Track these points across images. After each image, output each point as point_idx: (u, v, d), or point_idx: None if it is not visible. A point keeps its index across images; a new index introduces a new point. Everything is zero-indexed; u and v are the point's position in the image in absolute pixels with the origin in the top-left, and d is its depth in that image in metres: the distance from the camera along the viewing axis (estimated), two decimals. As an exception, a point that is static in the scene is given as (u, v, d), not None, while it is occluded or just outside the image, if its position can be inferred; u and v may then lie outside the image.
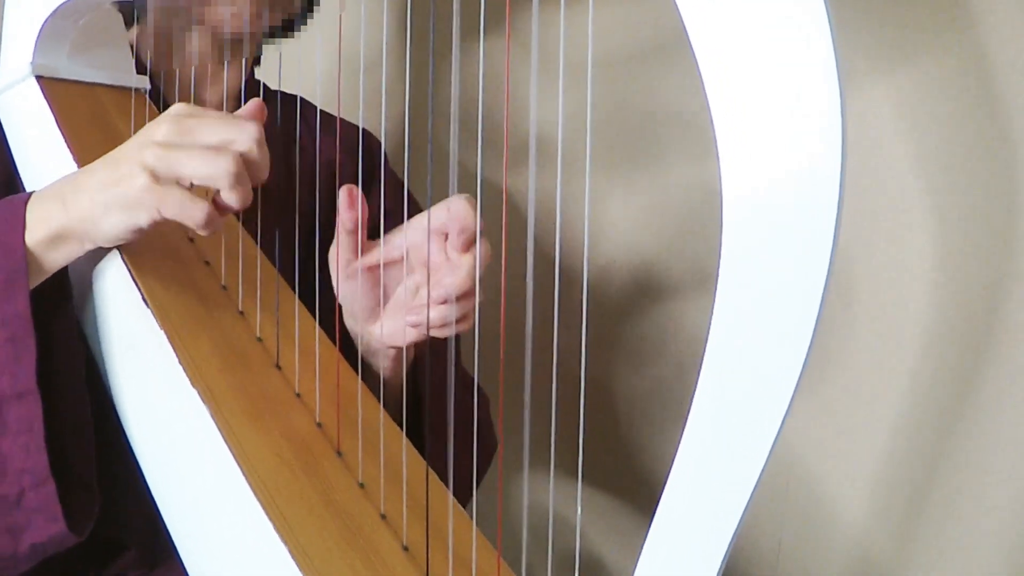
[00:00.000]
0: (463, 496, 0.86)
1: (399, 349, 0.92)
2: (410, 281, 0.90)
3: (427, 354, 0.97)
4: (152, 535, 0.90)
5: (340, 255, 0.88)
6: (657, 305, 1.33)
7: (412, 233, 0.88)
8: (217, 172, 0.76)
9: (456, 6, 0.74)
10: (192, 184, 0.77)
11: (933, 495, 1.17)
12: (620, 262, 1.34)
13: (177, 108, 0.78)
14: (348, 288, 0.90)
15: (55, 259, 0.80)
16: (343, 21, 1.00)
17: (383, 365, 0.94)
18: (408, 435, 0.86)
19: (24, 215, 0.79)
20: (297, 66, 1.01)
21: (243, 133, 0.77)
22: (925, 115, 1.14)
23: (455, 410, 0.91)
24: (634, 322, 1.35)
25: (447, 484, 0.83)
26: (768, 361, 0.53)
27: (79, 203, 0.78)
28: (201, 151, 0.76)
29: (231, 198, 0.77)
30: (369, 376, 0.93)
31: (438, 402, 0.95)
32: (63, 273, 0.82)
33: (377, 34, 0.98)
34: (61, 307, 0.82)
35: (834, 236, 0.51)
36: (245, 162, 0.77)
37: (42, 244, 0.79)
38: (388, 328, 0.90)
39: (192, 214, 0.76)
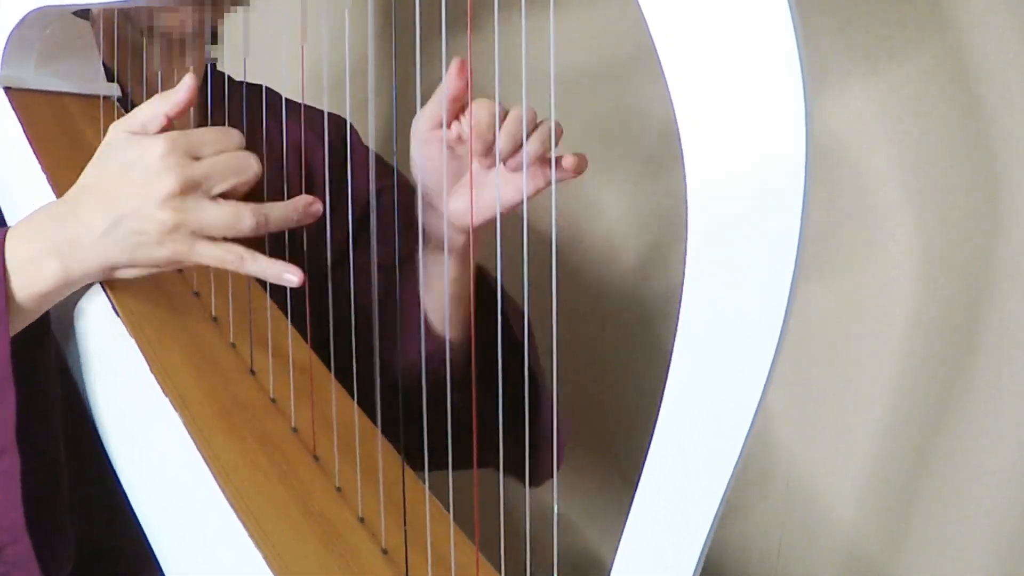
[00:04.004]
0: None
1: (467, 236, 0.91)
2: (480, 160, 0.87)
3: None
4: (138, 540, 0.89)
5: (423, 120, 0.87)
6: (640, 302, 1.33)
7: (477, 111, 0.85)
8: (243, 232, 0.76)
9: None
10: None
11: (929, 495, 1.18)
12: (605, 260, 1.34)
13: (166, 145, 0.76)
14: (426, 154, 0.89)
15: (46, 307, 0.80)
16: (324, 21, 1.00)
17: (454, 240, 0.92)
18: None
19: (3, 261, 0.77)
20: (282, 79, 1.01)
21: (249, 174, 0.77)
22: (907, 116, 1.14)
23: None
24: (615, 319, 1.35)
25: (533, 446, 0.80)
26: (738, 355, 0.53)
27: (83, 261, 0.77)
28: (221, 210, 0.75)
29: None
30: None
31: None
32: (43, 315, 0.81)
33: (360, 35, 0.98)
34: (41, 347, 0.81)
35: (800, 232, 0.51)
36: None
37: (38, 297, 0.78)
38: (459, 204, 0.89)
39: (229, 260, 0.77)
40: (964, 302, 1.14)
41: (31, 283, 0.77)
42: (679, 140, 0.53)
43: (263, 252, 0.89)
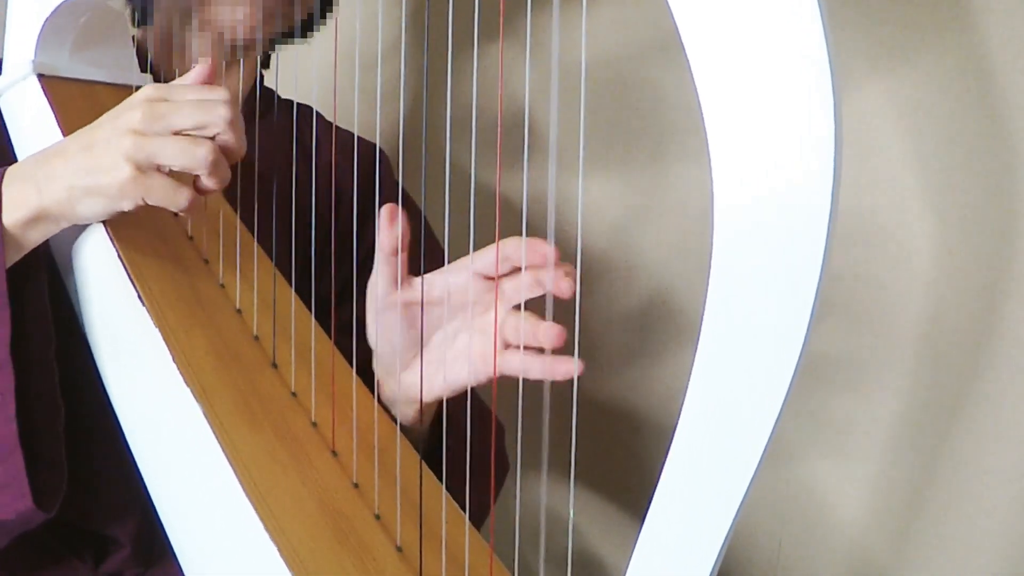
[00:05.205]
0: (479, 520, 0.86)
1: (419, 402, 0.88)
2: (450, 327, 0.85)
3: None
4: (148, 533, 0.90)
5: (379, 284, 0.84)
6: (654, 304, 1.32)
7: (454, 275, 0.83)
8: (196, 162, 0.78)
9: (452, 8, 0.73)
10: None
11: (932, 495, 1.17)
12: (618, 263, 1.34)
13: (146, 92, 0.80)
14: (384, 323, 0.85)
15: (32, 238, 0.82)
16: (344, 23, 1.01)
17: (406, 413, 0.89)
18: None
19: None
20: (298, 67, 1.02)
21: (215, 116, 0.78)
22: (924, 115, 1.13)
23: (474, 443, 0.86)
24: (630, 321, 1.35)
25: (465, 515, 0.82)
26: (760, 363, 0.53)
27: (54, 188, 0.79)
28: (179, 141, 0.78)
29: (211, 183, 0.80)
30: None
31: (457, 435, 0.89)
32: (35, 249, 0.83)
33: (377, 36, 0.98)
34: (32, 281, 0.83)
35: (827, 238, 0.51)
36: (221, 147, 0.79)
37: (19, 226, 0.80)
38: (414, 379, 0.86)
39: (176, 200, 0.79)
40: (976, 303, 1.13)
41: (13, 209, 0.80)
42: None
43: (289, 276, 0.91)
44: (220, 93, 0.80)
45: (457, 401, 0.88)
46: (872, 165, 1.16)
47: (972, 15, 1.10)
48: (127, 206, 0.79)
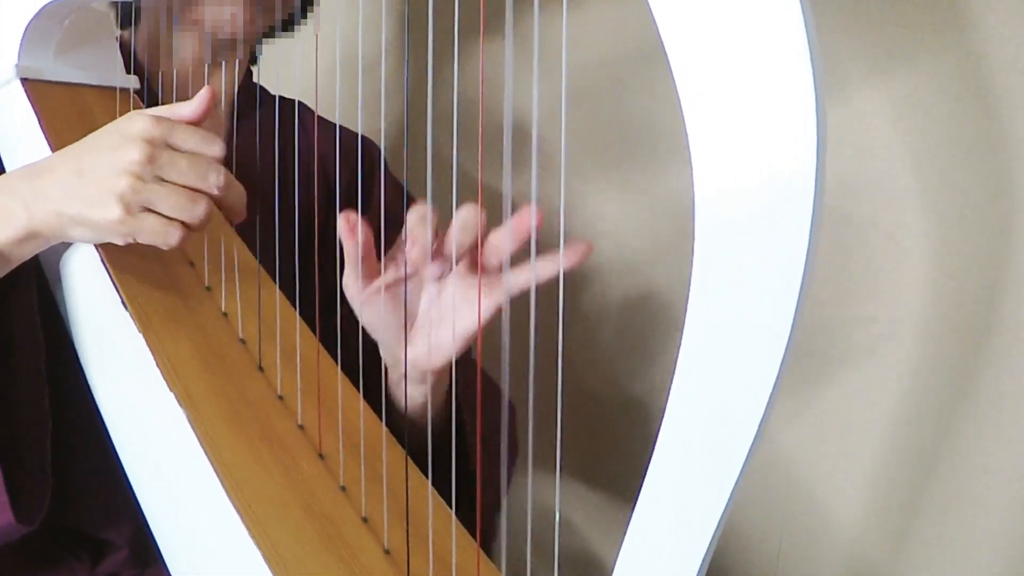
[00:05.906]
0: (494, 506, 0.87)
1: (432, 372, 0.88)
2: (432, 289, 0.86)
3: (455, 378, 0.93)
4: (145, 535, 0.89)
5: (354, 280, 0.85)
6: (645, 303, 1.32)
7: (415, 249, 0.83)
8: (192, 216, 0.78)
9: (434, 8, 0.73)
10: None
11: (931, 495, 1.17)
12: (609, 262, 1.33)
13: (146, 129, 0.78)
14: (371, 313, 0.86)
15: (21, 254, 0.81)
16: (336, 23, 1.00)
17: (416, 393, 0.90)
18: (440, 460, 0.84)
19: None
20: (295, 67, 1.01)
21: (210, 183, 0.78)
22: (922, 116, 1.13)
23: (489, 426, 0.87)
24: (619, 317, 1.34)
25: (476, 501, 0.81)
26: (746, 358, 0.52)
27: (44, 211, 0.79)
28: (177, 193, 0.77)
29: (200, 228, 0.79)
30: (395, 414, 0.91)
31: (473, 420, 0.91)
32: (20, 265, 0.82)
33: (374, 36, 0.97)
34: (21, 291, 0.83)
35: (811, 233, 0.50)
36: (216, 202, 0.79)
37: (9, 243, 0.79)
38: (419, 350, 0.86)
39: (166, 239, 0.78)
40: (974, 303, 1.13)
41: (0, 226, 0.79)
42: (688, 149, 0.52)
43: (282, 274, 0.91)
44: (216, 149, 0.79)
45: (467, 381, 0.89)
46: (871, 165, 1.16)
47: (972, 15, 1.09)
48: (117, 242, 0.79)
